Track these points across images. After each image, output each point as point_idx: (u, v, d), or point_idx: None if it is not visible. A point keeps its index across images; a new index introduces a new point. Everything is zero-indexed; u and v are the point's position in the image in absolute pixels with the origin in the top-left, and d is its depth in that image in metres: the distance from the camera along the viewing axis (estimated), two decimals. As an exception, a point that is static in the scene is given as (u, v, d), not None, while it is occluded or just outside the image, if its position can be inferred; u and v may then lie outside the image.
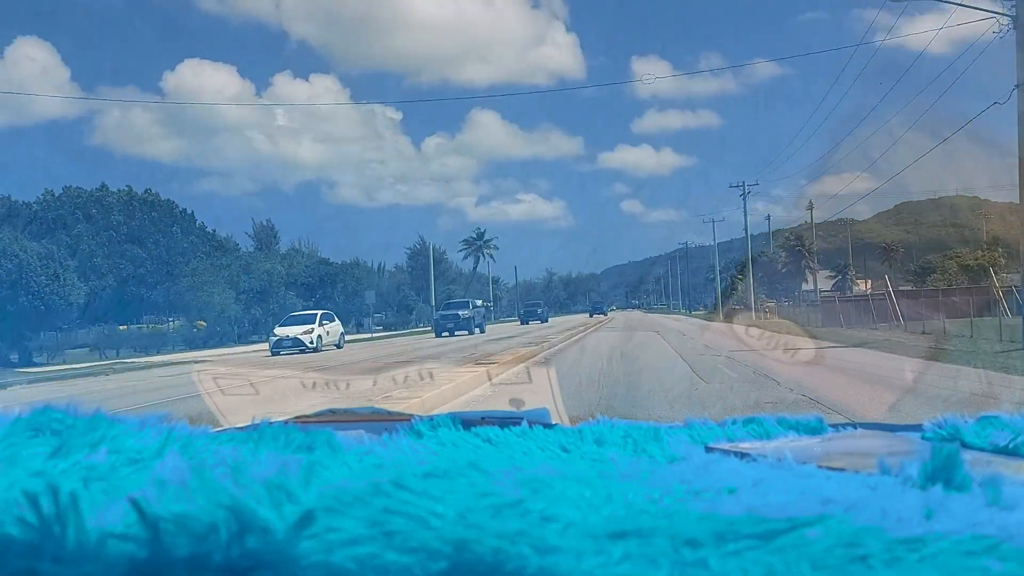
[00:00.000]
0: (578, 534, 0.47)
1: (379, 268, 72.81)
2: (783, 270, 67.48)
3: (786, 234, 68.10)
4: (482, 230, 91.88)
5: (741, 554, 0.45)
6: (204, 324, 41.51)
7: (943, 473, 0.65)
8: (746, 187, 51.71)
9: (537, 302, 62.85)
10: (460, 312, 38.98)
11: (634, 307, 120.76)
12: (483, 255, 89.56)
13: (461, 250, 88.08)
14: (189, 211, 48.55)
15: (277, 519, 0.44)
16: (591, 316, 66.65)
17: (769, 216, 71.49)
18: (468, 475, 0.60)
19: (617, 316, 71.13)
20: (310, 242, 62.53)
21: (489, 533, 0.45)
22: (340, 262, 57.15)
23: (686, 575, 0.43)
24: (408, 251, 79.58)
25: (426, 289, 67.19)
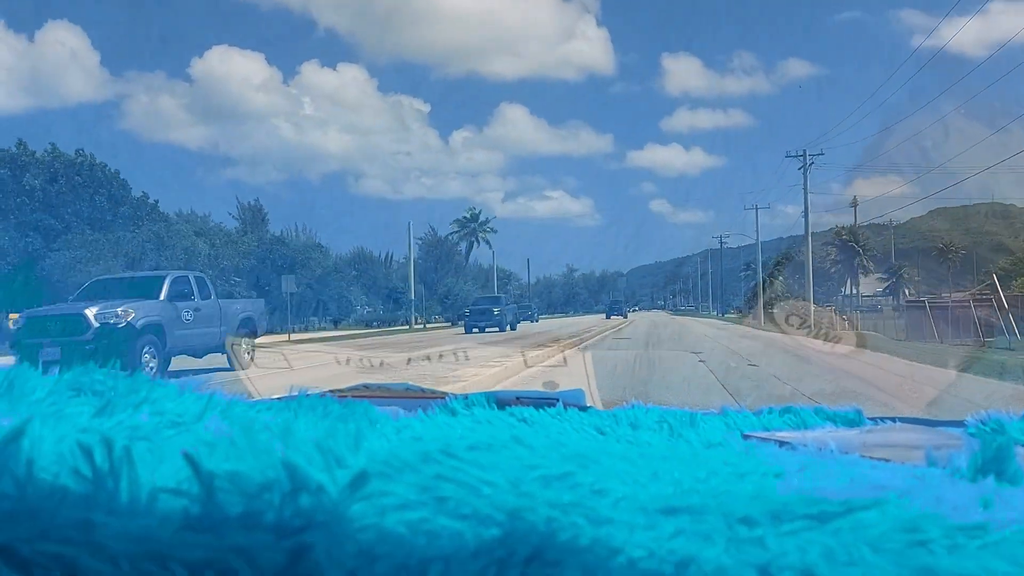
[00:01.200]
0: (630, 508, 0.46)
1: (386, 259, 70.06)
2: (831, 270, 61.88)
3: (838, 230, 61.84)
4: (477, 210, 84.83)
5: (798, 534, 0.44)
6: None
7: (994, 465, 0.64)
8: (808, 158, 42.71)
9: (494, 298, 44.98)
10: (493, 308, 37.52)
11: (659, 308, 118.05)
12: (477, 240, 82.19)
13: (452, 232, 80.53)
14: (122, 177, 40.22)
15: (330, 480, 0.44)
16: (607, 318, 60.65)
17: (807, 206, 65.87)
18: (513, 448, 0.59)
19: (638, 318, 64.37)
20: (308, 229, 58.55)
21: (541, 502, 0.45)
22: (303, 243, 51.96)
23: (743, 552, 0.43)
24: (420, 242, 75.26)
25: (436, 282, 65.15)
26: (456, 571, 0.41)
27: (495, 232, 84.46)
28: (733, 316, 63.11)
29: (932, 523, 0.46)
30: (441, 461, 0.49)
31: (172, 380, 0.81)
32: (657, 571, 0.41)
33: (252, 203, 56.37)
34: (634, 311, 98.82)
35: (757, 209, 55.29)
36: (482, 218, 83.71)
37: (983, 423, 0.96)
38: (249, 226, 52.81)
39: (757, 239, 55.75)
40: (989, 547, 0.43)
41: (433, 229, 77.51)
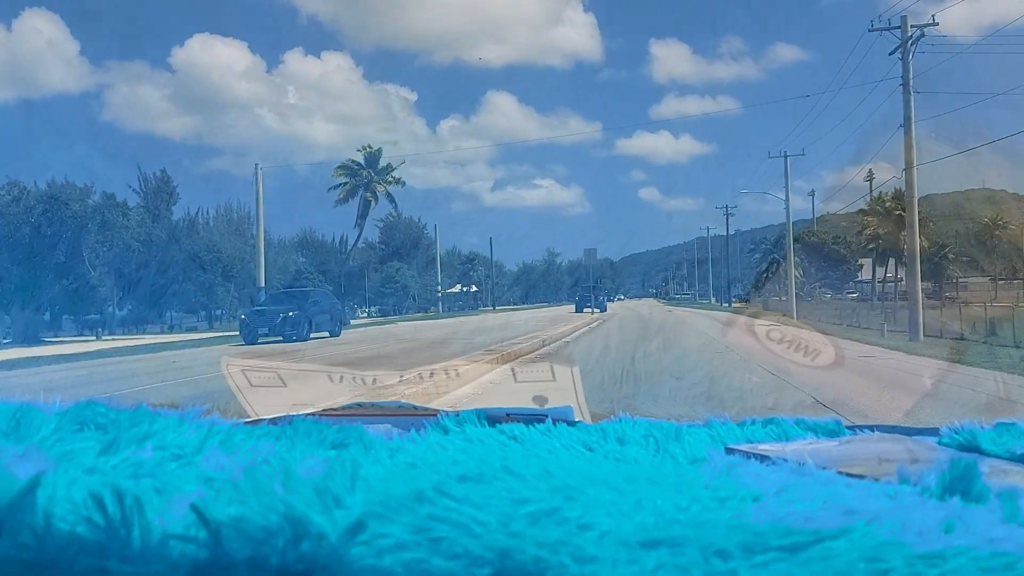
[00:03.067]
0: (613, 543, 0.49)
1: (340, 242, 60.12)
2: (869, 246, 49.84)
3: (877, 198, 49.83)
4: (374, 150, 59.67)
5: (769, 566, 0.47)
6: None
7: (961, 484, 0.67)
8: (787, 160, 40.11)
9: (292, 294, 30.01)
10: (282, 310, 25.22)
11: (651, 296, 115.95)
12: (375, 195, 59.01)
13: (335, 186, 59.28)
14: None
15: (330, 525, 0.47)
16: (577, 312, 48.57)
17: (814, 192, 58.75)
18: (503, 479, 0.62)
19: (622, 312, 49.56)
20: (242, 207, 48.25)
21: (530, 542, 0.47)
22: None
23: None
24: (380, 224, 63.18)
25: (405, 269, 57.11)
26: None
27: (402, 184, 61.66)
28: (739, 306, 53.99)
29: (895, 551, 0.49)
30: (435, 501, 0.52)
31: (172, 411, 0.83)
32: None
33: (158, 174, 46.40)
34: (618, 300, 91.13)
35: (787, 160, 41.76)
36: (384, 163, 60.11)
37: (956, 433, 1.00)
38: (152, 205, 44.68)
39: (787, 197, 42.46)
40: (946, 575, 0.47)
41: (396, 210, 65.84)
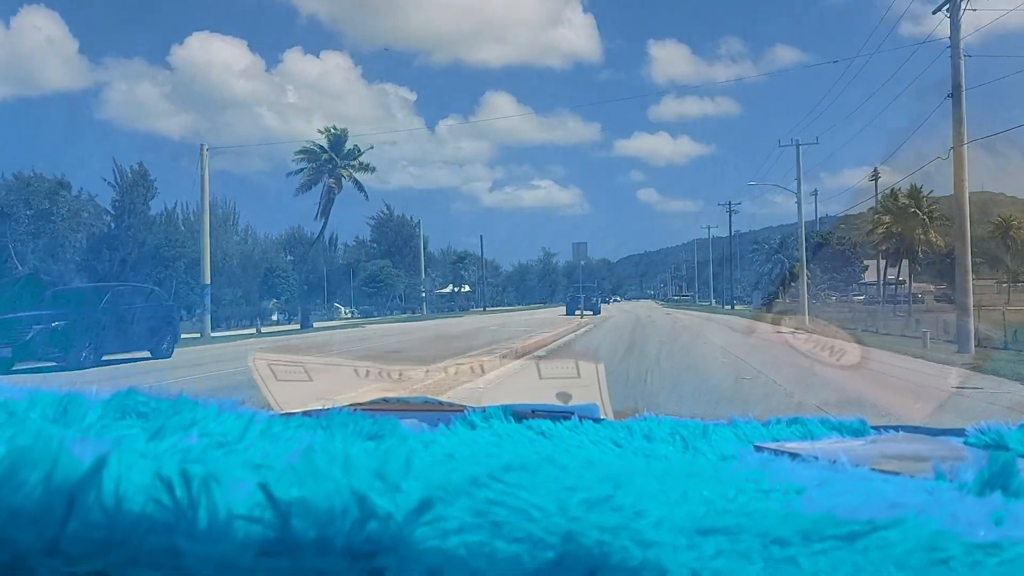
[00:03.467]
0: (670, 529, 0.50)
1: (331, 241, 59.69)
2: (883, 247, 45.28)
3: (889, 194, 45.69)
4: (338, 131, 54.42)
5: (828, 553, 0.48)
6: None
7: (1000, 480, 0.68)
8: (799, 148, 38.05)
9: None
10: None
11: (649, 297, 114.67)
12: (339, 183, 53.23)
13: (296, 171, 53.94)
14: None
15: (395, 507, 0.47)
16: (568, 315, 44.40)
17: (816, 192, 57.18)
18: (548, 469, 0.63)
19: (618, 315, 45.48)
20: (227, 202, 48.19)
21: (590, 526, 0.48)
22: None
23: (778, 571, 0.46)
24: (372, 221, 63.90)
25: (390, 267, 56.32)
26: None
27: (371, 170, 55.66)
28: (742, 309, 51.55)
29: (951, 541, 0.49)
30: (490, 485, 0.52)
31: (211, 400, 0.84)
32: None
33: (136, 167, 44.94)
34: (614, 302, 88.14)
35: (799, 150, 38.71)
36: (350, 146, 54.56)
37: (982, 433, 1.00)
38: (128, 200, 43.49)
39: (799, 189, 39.31)
40: (1006, 564, 0.47)
41: (388, 207, 65.84)
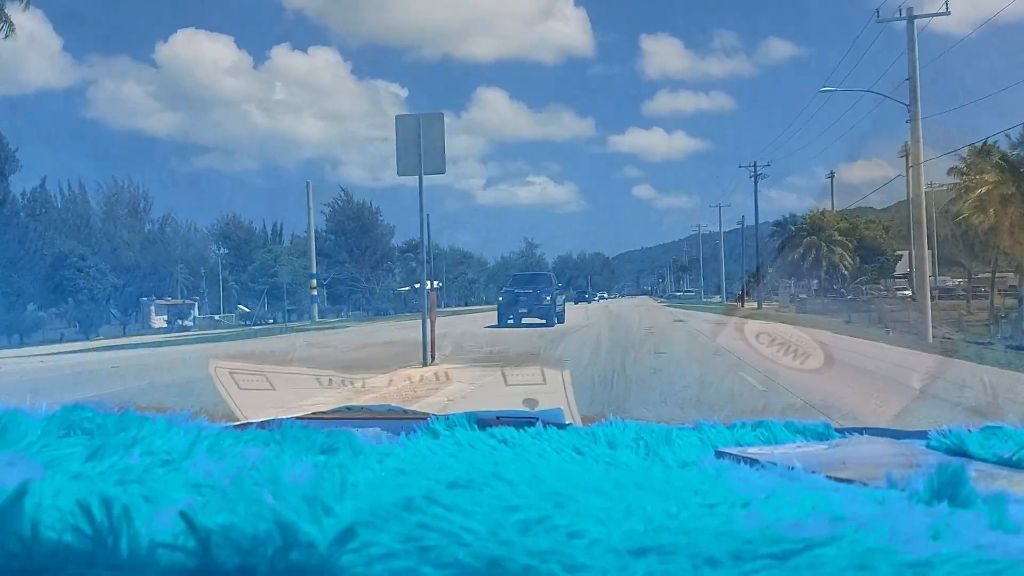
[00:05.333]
0: (602, 551, 0.49)
1: (275, 232, 53.07)
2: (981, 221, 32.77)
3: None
4: None
5: (758, 573, 0.47)
6: None
7: (949, 489, 0.68)
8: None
9: None
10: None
11: (645, 293, 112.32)
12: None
13: None
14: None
15: (319, 534, 0.46)
16: (501, 324, 27.04)
17: (832, 174, 48.84)
18: (493, 486, 0.62)
19: (597, 319, 32.42)
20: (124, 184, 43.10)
21: (520, 550, 0.47)
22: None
23: None
24: (327, 208, 54.30)
25: (354, 260, 48.80)
26: None
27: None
28: (768, 306, 42.12)
29: (883, 559, 0.49)
30: (424, 509, 0.52)
31: (160, 415, 0.83)
32: None
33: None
34: (600, 300, 77.22)
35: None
36: None
37: (944, 437, 1.00)
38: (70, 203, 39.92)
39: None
40: None
41: (345, 192, 56.41)
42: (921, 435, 1.08)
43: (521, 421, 1.09)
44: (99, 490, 0.49)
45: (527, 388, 1.63)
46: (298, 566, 0.45)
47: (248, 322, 42.83)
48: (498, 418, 1.13)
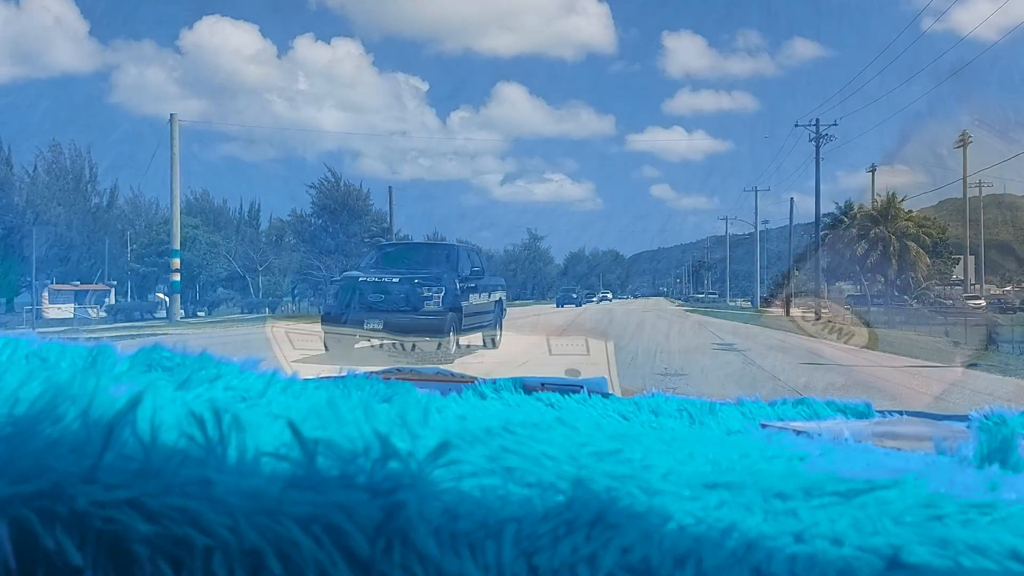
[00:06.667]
0: (677, 481, 0.52)
1: (251, 212, 48.78)
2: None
3: None
4: None
5: (827, 508, 0.50)
6: None
7: (999, 454, 0.70)
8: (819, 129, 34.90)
9: None
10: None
11: (662, 294, 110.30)
12: None
13: None
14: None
15: (414, 448, 0.49)
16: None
17: (874, 168, 42.49)
18: (560, 428, 0.65)
19: (573, 329, 21.00)
20: (75, 148, 38.84)
21: (599, 473, 0.50)
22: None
23: (779, 522, 0.48)
24: (312, 190, 49.12)
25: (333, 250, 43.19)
26: (528, 531, 0.47)
27: None
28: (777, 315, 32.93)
29: (947, 501, 0.51)
30: (504, 436, 0.55)
31: (233, 360, 0.86)
32: (705, 535, 0.47)
33: (56, 145, 37.93)
34: (602, 300, 69.90)
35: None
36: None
37: (986, 417, 1.02)
38: (57, 179, 37.13)
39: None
40: (997, 522, 0.49)
41: (332, 172, 50.90)
42: (962, 418, 1.09)
43: (566, 388, 1.12)
44: (210, 402, 0.52)
45: (571, 359, 1.65)
46: (396, 476, 0.48)
47: (115, 317, 35.78)
48: (543, 384, 1.16)
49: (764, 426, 0.99)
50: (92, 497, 0.47)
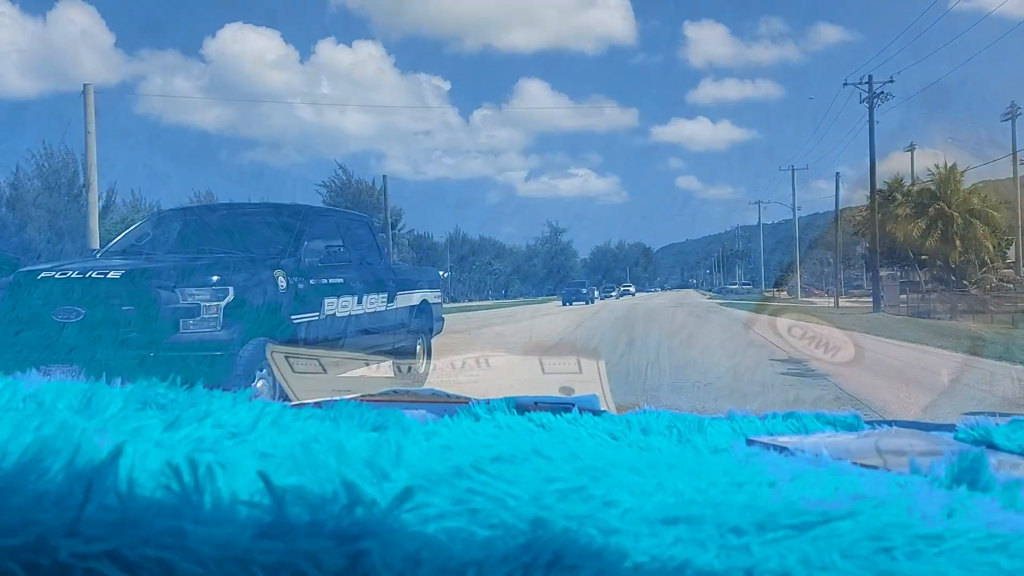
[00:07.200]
0: (635, 518, 0.54)
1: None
2: None
3: None
4: None
5: (779, 542, 0.52)
6: None
7: (968, 475, 0.71)
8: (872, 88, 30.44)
9: None
10: None
11: (692, 286, 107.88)
12: None
13: None
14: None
15: (380, 494, 0.52)
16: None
17: (913, 147, 37.59)
18: (533, 460, 0.67)
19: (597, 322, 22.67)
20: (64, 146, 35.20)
21: (559, 514, 0.52)
22: None
23: (731, 558, 0.50)
24: (323, 188, 48.13)
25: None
26: (488, 574, 0.49)
27: None
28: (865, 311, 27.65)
29: (898, 532, 0.53)
30: (472, 476, 0.57)
31: (225, 391, 0.89)
32: (659, 572, 0.49)
33: (53, 148, 34.67)
34: (624, 295, 65.02)
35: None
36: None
37: (971, 429, 1.03)
38: (50, 183, 34.98)
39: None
40: (945, 554, 0.51)
41: (344, 170, 50.07)
42: (950, 427, 1.10)
43: (558, 406, 1.14)
44: (187, 452, 0.55)
45: (563, 376, 1.68)
46: (362, 522, 0.50)
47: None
48: (536, 404, 1.18)
49: (751, 442, 1.01)
50: (73, 549, 0.50)
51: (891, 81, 32.54)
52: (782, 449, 0.94)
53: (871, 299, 31.39)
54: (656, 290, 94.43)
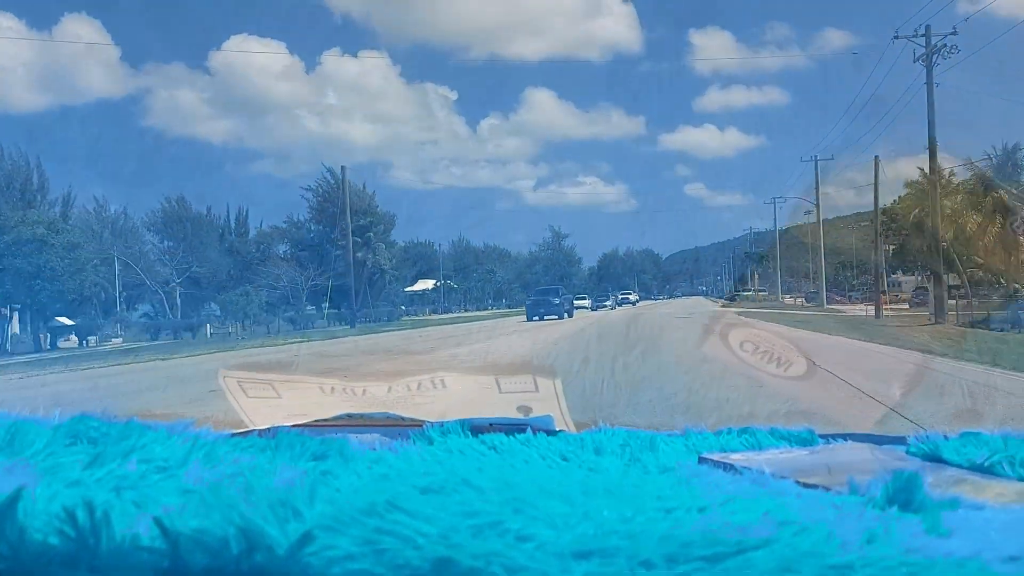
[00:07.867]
0: (547, 554, 0.53)
1: (239, 220, 44.36)
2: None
3: None
4: None
5: (689, 575, 0.51)
6: None
7: (902, 495, 0.71)
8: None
9: None
10: None
11: (701, 294, 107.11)
12: None
13: None
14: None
15: (282, 537, 0.51)
16: None
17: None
18: (461, 491, 0.66)
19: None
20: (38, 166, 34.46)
21: (466, 553, 0.51)
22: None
23: None
24: (308, 194, 45.67)
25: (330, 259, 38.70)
26: None
27: None
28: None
29: (810, 562, 0.52)
30: (383, 514, 0.56)
31: (162, 424, 0.88)
32: None
33: (26, 163, 34.63)
34: (623, 303, 60.55)
35: None
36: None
37: (921, 443, 1.03)
38: (11, 197, 34.15)
39: None
40: None
41: (331, 172, 45.95)
42: (902, 441, 1.10)
43: (513, 427, 1.13)
44: (87, 496, 0.54)
45: (520, 396, 1.67)
46: (260, 567, 0.49)
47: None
48: (491, 425, 1.17)
49: (702, 460, 1.00)
50: None
51: (954, 33, 26.15)
52: (729, 467, 0.93)
53: (908, 305, 26.05)
54: (664, 298, 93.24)
